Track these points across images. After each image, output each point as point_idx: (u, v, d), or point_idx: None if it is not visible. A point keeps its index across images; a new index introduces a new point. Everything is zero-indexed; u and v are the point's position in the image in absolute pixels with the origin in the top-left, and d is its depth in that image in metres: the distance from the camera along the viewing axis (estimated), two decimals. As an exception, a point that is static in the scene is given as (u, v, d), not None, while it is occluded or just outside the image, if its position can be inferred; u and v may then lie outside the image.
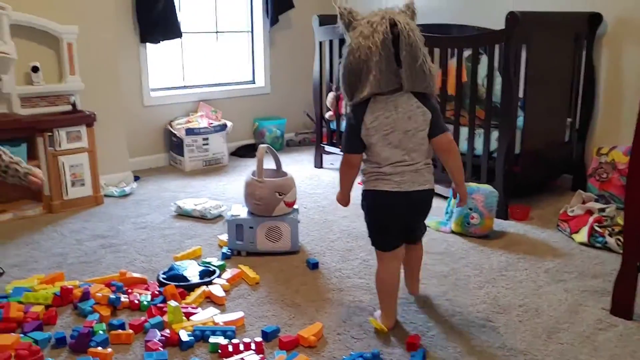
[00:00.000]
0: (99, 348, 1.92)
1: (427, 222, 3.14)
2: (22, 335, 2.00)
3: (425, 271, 2.58)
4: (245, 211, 2.81)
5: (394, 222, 2.05)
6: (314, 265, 2.62)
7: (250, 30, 5.13)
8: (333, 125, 4.37)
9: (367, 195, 2.05)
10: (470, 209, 2.95)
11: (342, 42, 4.09)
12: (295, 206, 2.82)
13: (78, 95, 3.57)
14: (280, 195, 2.70)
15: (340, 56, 4.12)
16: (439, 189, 3.61)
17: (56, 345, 1.98)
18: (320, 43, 4.33)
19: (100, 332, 2.02)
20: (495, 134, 3.30)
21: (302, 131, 5.41)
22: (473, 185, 3.06)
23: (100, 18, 3.71)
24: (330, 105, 4.34)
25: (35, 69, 3.41)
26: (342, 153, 2.09)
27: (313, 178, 4.17)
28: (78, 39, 3.54)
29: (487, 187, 3.03)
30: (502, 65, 3.20)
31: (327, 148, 4.42)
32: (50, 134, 3.35)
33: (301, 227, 2.88)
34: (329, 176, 4.22)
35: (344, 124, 4.22)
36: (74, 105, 3.52)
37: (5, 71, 3.26)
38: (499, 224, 3.12)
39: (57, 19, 3.46)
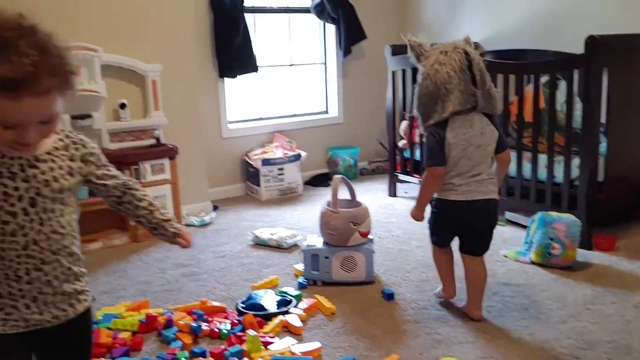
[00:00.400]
0: (182, 375, 1.99)
1: (505, 252, 3.08)
2: (111, 360, 2.10)
3: (504, 303, 2.52)
4: (320, 241, 2.84)
5: (453, 226, 2.38)
6: (390, 296, 2.61)
7: (324, 61, 5.24)
8: (407, 154, 4.36)
9: (438, 202, 2.35)
10: (552, 239, 2.86)
11: (414, 70, 4.09)
12: (369, 236, 2.83)
13: (161, 129, 3.76)
14: (354, 225, 2.72)
15: (413, 84, 4.13)
16: (517, 217, 3.53)
17: (142, 371, 2.07)
18: (393, 72, 4.36)
19: (183, 359, 2.09)
20: (576, 161, 3.19)
21: (375, 160, 5.42)
22: (554, 214, 2.96)
23: (182, 56, 3.90)
24: (404, 133, 4.34)
25: (122, 106, 3.62)
26: (427, 167, 2.33)
27: (387, 207, 4.17)
28: (161, 76, 3.74)
29: (568, 216, 2.93)
30: (582, 91, 3.11)
31: (401, 177, 4.40)
32: (136, 166, 3.54)
33: (376, 257, 2.88)
34: (403, 205, 4.20)
35: (417, 152, 4.21)
36: (157, 139, 3.71)
37: (96, 109, 3.49)
38: (582, 255, 3.00)
39: (142, 58, 3.67)
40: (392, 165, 4.49)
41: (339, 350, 2.18)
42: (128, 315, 2.45)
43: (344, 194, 2.92)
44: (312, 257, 2.77)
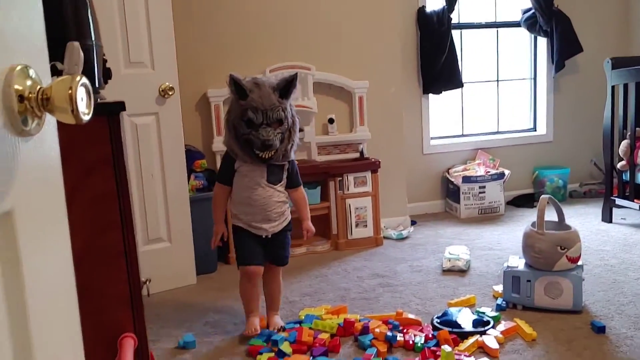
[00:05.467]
0: (376, 381, 2.04)
1: None
2: (311, 358, 2.23)
3: None
4: (522, 263, 2.71)
5: None
6: (600, 329, 2.39)
7: (533, 77, 5.00)
8: (626, 176, 3.96)
9: None
10: None
11: (637, 85, 3.72)
12: (579, 262, 2.63)
13: (365, 143, 3.90)
14: (562, 249, 2.54)
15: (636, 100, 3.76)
16: None
17: (339, 372, 2.16)
18: (613, 87, 4.00)
19: (377, 366, 2.14)
20: None
21: (587, 182, 5.01)
22: None
23: (388, 73, 4.02)
24: (624, 154, 3.95)
25: (331, 121, 3.84)
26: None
27: (599, 233, 3.82)
28: (368, 92, 3.89)
29: None
30: None
31: (619, 201, 4.00)
32: (340, 178, 3.71)
33: (585, 286, 2.66)
34: (620, 232, 3.82)
35: (639, 175, 3.81)
36: (361, 152, 3.86)
37: (308, 123, 3.74)
38: None
39: (350, 75, 3.86)
40: (608, 189, 4.11)
41: (540, 380, 2.05)
42: (327, 317, 2.58)
43: (551, 216, 2.76)
44: (513, 279, 2.65)
